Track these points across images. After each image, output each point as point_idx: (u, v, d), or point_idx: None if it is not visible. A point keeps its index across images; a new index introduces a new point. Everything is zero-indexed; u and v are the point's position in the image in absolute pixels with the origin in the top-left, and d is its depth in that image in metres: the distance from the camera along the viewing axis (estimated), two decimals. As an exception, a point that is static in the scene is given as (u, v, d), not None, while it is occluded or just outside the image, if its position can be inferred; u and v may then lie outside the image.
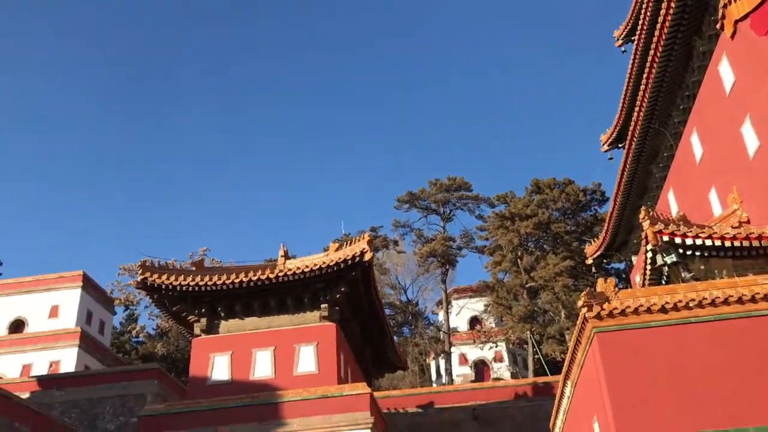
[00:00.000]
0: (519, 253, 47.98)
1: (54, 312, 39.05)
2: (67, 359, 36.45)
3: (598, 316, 14.24)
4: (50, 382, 31.88)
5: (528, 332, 45.74)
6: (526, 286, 46.71)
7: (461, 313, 57.94)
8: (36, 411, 24.00)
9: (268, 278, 21.85)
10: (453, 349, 53.49)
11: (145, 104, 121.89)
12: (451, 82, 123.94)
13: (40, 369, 35.79)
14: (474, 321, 58.67)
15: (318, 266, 21.65)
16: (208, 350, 22.47)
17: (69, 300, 39.56)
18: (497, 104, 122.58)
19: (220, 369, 22.06)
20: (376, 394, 26.62)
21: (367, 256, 21.57)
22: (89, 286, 41.02)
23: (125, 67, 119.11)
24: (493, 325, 55.36)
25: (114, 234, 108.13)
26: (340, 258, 21.63)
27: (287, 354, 22.02)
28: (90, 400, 30.61)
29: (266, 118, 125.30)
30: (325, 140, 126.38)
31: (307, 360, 21.81)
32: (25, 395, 29.00)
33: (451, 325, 55.04)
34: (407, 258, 56.99)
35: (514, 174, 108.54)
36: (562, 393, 19.40)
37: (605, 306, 14.25)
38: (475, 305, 57.45)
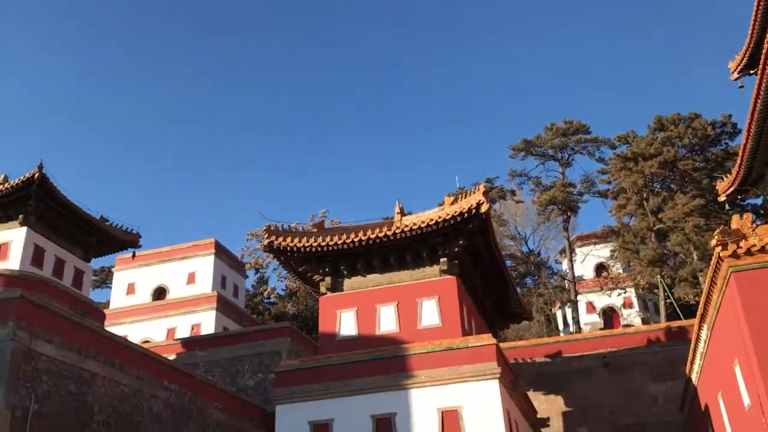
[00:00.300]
0: (644, 195, 45.87)
1: (191, 278, 41.58)
2: (207, 322, 38.84)
3: (735, 255, 13.39)
4: (193, 343, 34.19)
5: (658, 276, 43.92)
6: (654, 228, 44.70)
7: (586, 260, 56.41)
8: (183, 370, 25.84)
9: (386, 236, 22.13)
10: (579, 297, 52.34)
11: (263, 74, 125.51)
12: (566, 24, 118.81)
13: (183, 332, 38.36)
14: (600, 268, 56.96)
15: (434, 221, 21.66)
16: (334, 307, 23.20)
17: (204, 267, 41.93)
18: (611, 40, 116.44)
19: (346, 325, 22.76)
20: (502, 345, 26.61)
21: (484, 208, 21.32)
22: (221, 252, 43.28)
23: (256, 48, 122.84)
24: (621, 270, 53.56)
25: (240, 201, 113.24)
26: (455, 211, 21.52)
27: (410, 308, 22.35)
28: (230, 359, 32.60)
29: (375, 77, 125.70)
30: (435, 93, 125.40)
31: (430, 314, 22.04)
32: (171, 356, 31.30)
33: (576, 273, 53.76)
34: (526, 207, 55.93)
35: (634, 113, 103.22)
36: (698, 337, 18.55)
37: (742, 244, 13.36)
38: (601, 252, 55.70)
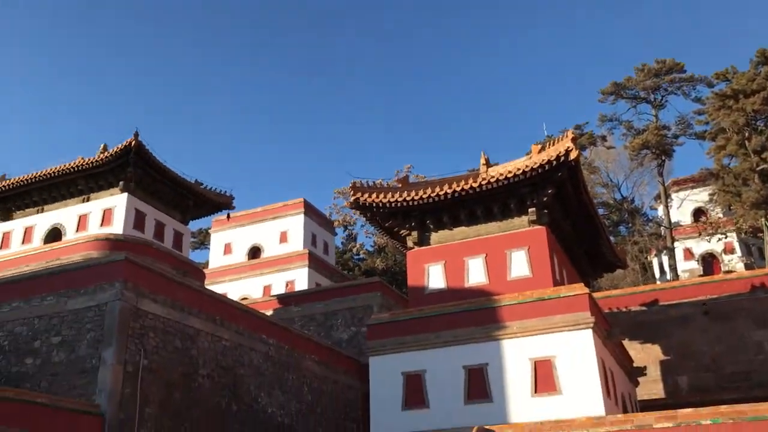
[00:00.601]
0: (746, 134, 43.27)
1: (283, 237, 42.78)
2: (300, 279, 40.00)
3: None
4: (288, 299, 35.36)
5: (762, 219, 41.65)
6: (757, 169, 42.22)
7: (683, 205, 54.09)
8: (280, 325, 26.81)
9: (471, 187, 21.93)
10: (676, 244, 50.45)
11: (348, 25, 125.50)
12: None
13: (278, 289, 39.68)
14: (698, 213, 54.53)
15: (521, 170, 21.26)
16: (422, 261, 23.33)
17: (295, 225, 43.03)
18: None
19: (435, 278, 22.87)
20: (595, 294, 26.07)
21: (573, 155, 20.71)
22: (310, 211, 44.22)
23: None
24: (721, 215, 51.11)
25: (327, 159, 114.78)
26: (543, 160, 21.01)
27: (499, 260, 22.19)
28: (324, 314, 33.56)
29: (458, 24, 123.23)
30: (518, 40, 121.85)
31: (519, 265, 21.82)
32: (268, 312, 32.50)
33: (673, 219, 51.74)
34: (618, 153, 54.02)
35: (733, 47, 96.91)
36: (808, 281, 17.55)
37: None
38: (698, 196, 53.26)
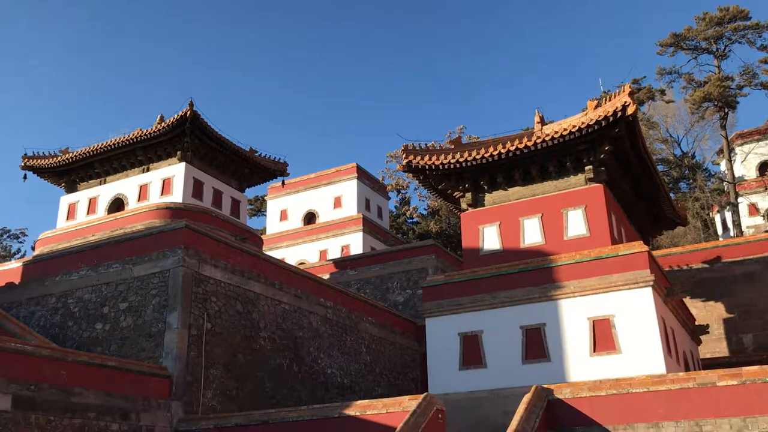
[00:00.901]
0: (816, 82, 41.27)
1: (337, 202, 43.17)
2: (355, 243, 40.40)
3: None
4: (344, 263, 35.79)
5: (833, 172, 39.87)
6: (828, 119, 40.27)
7: (747, 159, 52.09)
8: (337, 288, 27.21)
9: (526, 147, 21.62)
10: (740, 199, 48.75)
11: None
12: None
13: (334, 253, 40.20)
14: (764, 166, 52.47)
15: (577, 128, 20.82)
16: (476, 223, 23.24)
17: (348, 190, 43.32)
18: None
19: (490, 239, 22.78)
20: (655, 252, 25.61)
21: (630, 110, 20.16)
22: (363, 176, 44.39)
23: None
24: (789, 168, 49.11)
25: (378, 123, 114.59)
26: (599, 116, 20.51)
27: (555, 219, 21.93)
28: (379, 277, 33.89)
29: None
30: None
31: (576, 223, 21.53)
32: (325, 276, 32.99)
33: (736, 174, 49.97)
34: (677, 107, 52.19)
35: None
36: None
37: None
38: (764, 149, 51.19)
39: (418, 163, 23.18)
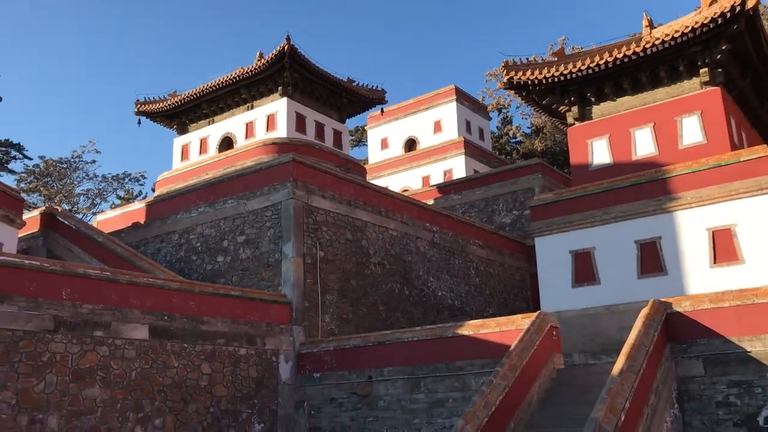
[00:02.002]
0: None
1: (437, 127, 42.76)
2: (457, 166, 40.11)
3: None
4: (447, 188, 35.77)
5: None
6: None
7: None
8: (442, 213, 27.35)
9: (634, 53, 20.48)
10: None
11: None
12: None
13: (437, 178, 40.13)
14: None
15: (690, 28, 19.45)
16: (584, 137, 22.49)
17: (448, 114, 42.74)
18: None
19: (599, 153, 22.03)
20: (779, 156, 23.86)
21: (750, 3, 18.57)
22: (462, 97, 43.59)
23: None
24: None
25: (474, 41, 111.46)
26: (715, 13, 19.03)
27: (668, 128, 20.87)
28: (484, 199, 33.70)
29: None
30: None
31: (691, 131, 20.42)
32: (429, 201, 33.16)
33: None
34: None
35: None
36: None
37: None
38: None
39: (519, 78, 22.50)
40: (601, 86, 22.22)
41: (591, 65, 21.19)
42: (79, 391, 14.37)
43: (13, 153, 51.97)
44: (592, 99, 22.62)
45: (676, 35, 19.69)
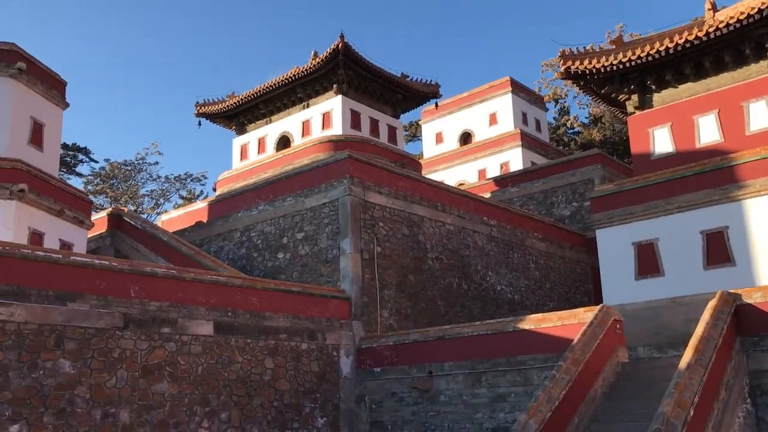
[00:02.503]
0: None
1: (493, 119, 42.30)
2: (514, 159, 39.61)
3: None
4: (504, 181, 35.43)
5: None
6: None
7: None
8: (500, 206, 27.12)
9: (697, 38, 19.87)
10: None
11: None
12: None
13: (493, 172, 39.73)
14: None
15: (756, 9, 18.75)
16: (645, 126, 21.95)
17: (503, 106, 42.23)
18: None
19: (661, 142, 21.47)
20: None
21: (821, -20, 17.80)
22: (518, 89, 43.02)
23: None
24: None
25: (529, 32, 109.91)
26: (783, -8, 18.30)
27: (734, 114, 20.18)
28: (542, 192, 33.24)
29: None
30: None
31: (759, 116, 19.69)
32: (486, 195, 32.93)
33: None
34: None
35: None
36: None
37: None
38: None
39: (577, 68, 22.09)
40: (662, 73, 21.64)
41: (651, 52, 20.65)
42: (149, 386, 14.85)
43: (81, 157, 54.06)
44: (653, 86, 22.05)
45: (742, 17, 19.01)
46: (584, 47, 22.97)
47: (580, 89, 24.14)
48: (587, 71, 22.08)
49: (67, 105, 24.60)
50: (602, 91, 23.15)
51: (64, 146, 49.03)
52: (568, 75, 22.56)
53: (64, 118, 24.66)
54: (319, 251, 20.80)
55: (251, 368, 16.89)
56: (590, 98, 26.88)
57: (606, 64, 21.55)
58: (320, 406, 18.18)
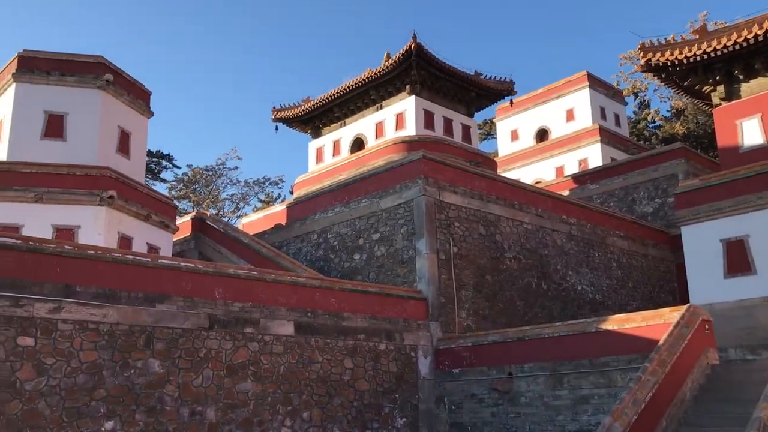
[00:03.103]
0: None
1: (570, 115, 41.38)
2: (593, 155, 38.64)
3: None
4: (583, 178, 34.61)
5: None
6: None
7: None
8: (579, 204, 26.51)
9: (788, 23, 18.89)
10: None
11: None
12: None
13: (571, 168, 38.87)
14: None
15: None
16: (732, 117, 21.03)
17: (580, 101, 41.25)
18: None
19: (750, 134, 20.52)
20: None
21: None
22: (595, 83, 41.94)
23: None
24: None
25: (607, 25, 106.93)
26: None
27: (831, 102, 19.09)
28: (623, 188, 32.29)
29: None
30: None
31: None
32: (564, 193, 32.24)
33: None
34: None
35: None
36: None
37: None
38: None
39: (658, 60, 21.39)
40: (751, 62, 20.68)
41: (739, 40, 19.77)
42: (233, 384, 15.26)
43: (164, 163, 56.19)
44: (741, 76, 21.11)
45: (838, -1, 17.96)
46: (665, 38, 22.24)
47: (661, 82, 23.38)
48: (669, 63, 21.34)
49: (151, 114, 25.62)
50: (685, 83, 22.34)
51: (149, 153, 51.08)
52: (648, 67, 21.87)
53: (148, 126, 25.70)
54: (394, 252, 20.87)
55: (331, 368, 17.12)
56: (672, 91, 25.96)
57: (689, 54, 20.78)
58: (399, 407, 18.23)
